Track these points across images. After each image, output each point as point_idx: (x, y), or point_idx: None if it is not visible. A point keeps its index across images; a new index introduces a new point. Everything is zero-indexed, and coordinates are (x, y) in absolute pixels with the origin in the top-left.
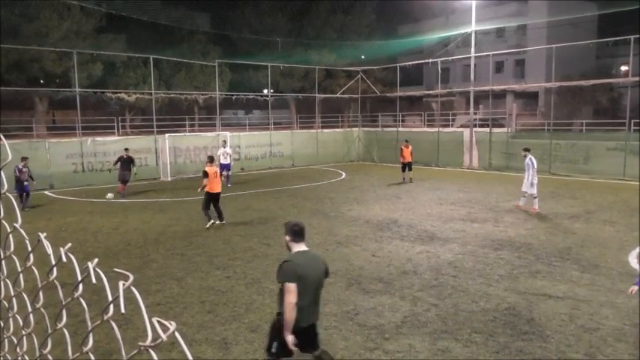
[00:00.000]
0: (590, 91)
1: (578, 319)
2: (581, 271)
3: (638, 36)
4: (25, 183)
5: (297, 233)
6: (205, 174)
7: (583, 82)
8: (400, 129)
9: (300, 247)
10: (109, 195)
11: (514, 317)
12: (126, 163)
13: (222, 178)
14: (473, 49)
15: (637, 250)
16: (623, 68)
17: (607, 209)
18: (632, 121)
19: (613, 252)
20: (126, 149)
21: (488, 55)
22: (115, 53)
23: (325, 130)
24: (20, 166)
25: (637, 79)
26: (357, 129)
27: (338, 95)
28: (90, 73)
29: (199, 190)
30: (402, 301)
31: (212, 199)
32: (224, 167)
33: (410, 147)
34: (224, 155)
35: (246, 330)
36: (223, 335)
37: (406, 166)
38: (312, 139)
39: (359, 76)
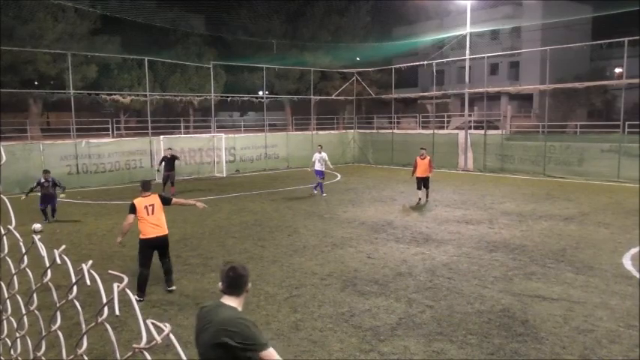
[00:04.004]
0: (584, 94)
1: (572, 321)
2: (575, 273)
3: (631, 38)
4: (53, 195)
5: None
6: (132, 208)
7: (577, 85)
8: (395, 131)
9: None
10: (37, 226)
11: (509, 319)
12: (170, 162)
13: (319, 181)
14: (467, 51)
15: (634, 251)
16: (617, 70)
17: (601, 211)
18: (627, 123)
19: (607, 254)
20: (169, 148)
21: (483, 57)
22: (110, 55)
23: (320, 132)
24: (42, 181)
25: (631, 81)
26: (352, 131)
27: (333, 97)
28: (84, 74)
29: (118, 240)
30: (397, 302)
31: (149, 249)
32: (319, 174)
33: (427, 157)
34: (320, 161)
35: None
36: None
37: (421, 183)
38: (308, 140)
39: (354, 78)
